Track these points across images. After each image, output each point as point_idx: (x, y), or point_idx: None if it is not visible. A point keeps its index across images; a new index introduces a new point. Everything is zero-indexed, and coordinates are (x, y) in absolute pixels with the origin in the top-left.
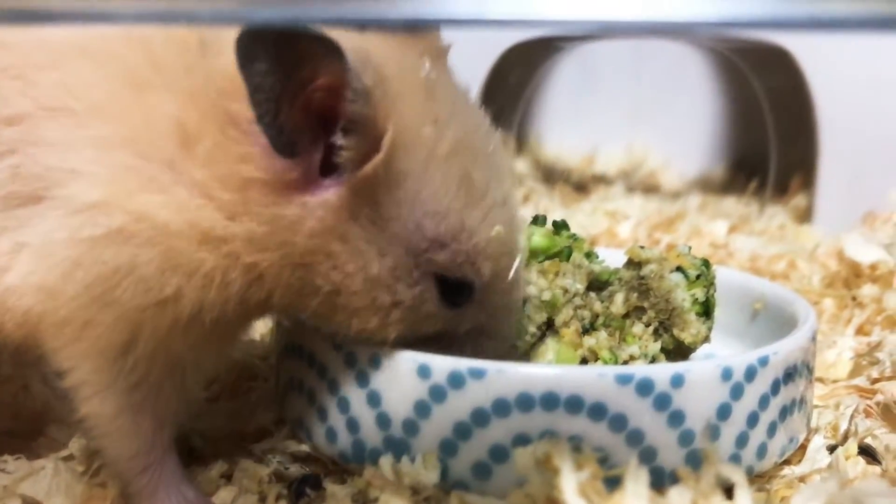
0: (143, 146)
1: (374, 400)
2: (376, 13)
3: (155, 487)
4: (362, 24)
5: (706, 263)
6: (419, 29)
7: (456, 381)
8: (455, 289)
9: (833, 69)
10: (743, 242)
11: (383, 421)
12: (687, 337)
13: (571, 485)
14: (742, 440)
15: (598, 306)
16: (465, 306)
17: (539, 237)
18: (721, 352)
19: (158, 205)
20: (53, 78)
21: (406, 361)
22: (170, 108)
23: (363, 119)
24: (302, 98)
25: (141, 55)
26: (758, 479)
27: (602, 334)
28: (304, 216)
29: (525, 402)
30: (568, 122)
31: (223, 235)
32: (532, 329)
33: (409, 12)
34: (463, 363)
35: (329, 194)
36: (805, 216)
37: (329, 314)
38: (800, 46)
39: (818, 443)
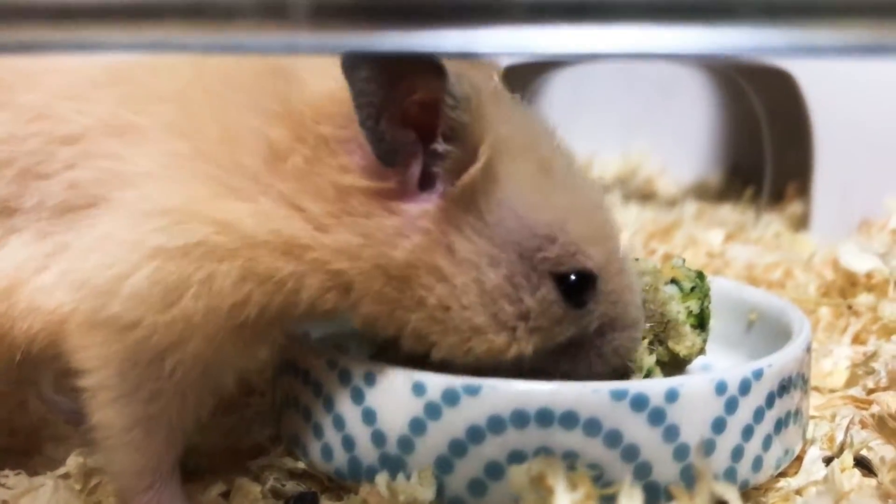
0: (223, 159)
1: (369, 417)
2: (370, 44)
3: None
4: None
5: (701, 275)
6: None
7: (450, 397)
8: (576, 286)
9: (827, 78)
10: (739, 251)
11: (378, 438)
12: (682, 349)
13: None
14: (737, 453)
15: None
16: (590, 303)
17: None
18: (717, 363)
19: (245, 213)
20: (115, 95)
21: (400, 378)
22: (254, 126)
23: (462, 126)
24: (400, 110)
25: (213, 74)
26: (754, 491)
27: None
28: (406, 227)
29: (520, 419)
30: (564, 130)
31: (309, 244)
32: None
33: (400, 45)
34: (457, 380)
35: (429, 205)
36: (801, 224)
37: (437, 335)
38: (794, 58)
39: (814, 454)
